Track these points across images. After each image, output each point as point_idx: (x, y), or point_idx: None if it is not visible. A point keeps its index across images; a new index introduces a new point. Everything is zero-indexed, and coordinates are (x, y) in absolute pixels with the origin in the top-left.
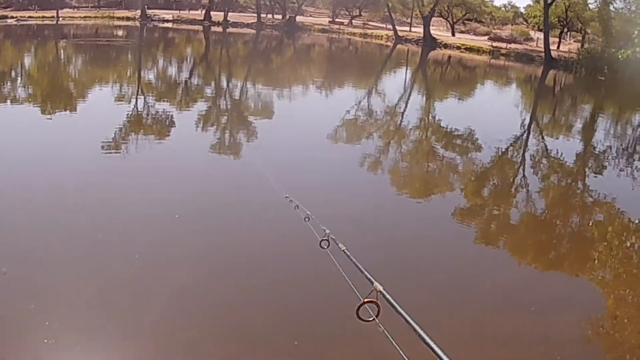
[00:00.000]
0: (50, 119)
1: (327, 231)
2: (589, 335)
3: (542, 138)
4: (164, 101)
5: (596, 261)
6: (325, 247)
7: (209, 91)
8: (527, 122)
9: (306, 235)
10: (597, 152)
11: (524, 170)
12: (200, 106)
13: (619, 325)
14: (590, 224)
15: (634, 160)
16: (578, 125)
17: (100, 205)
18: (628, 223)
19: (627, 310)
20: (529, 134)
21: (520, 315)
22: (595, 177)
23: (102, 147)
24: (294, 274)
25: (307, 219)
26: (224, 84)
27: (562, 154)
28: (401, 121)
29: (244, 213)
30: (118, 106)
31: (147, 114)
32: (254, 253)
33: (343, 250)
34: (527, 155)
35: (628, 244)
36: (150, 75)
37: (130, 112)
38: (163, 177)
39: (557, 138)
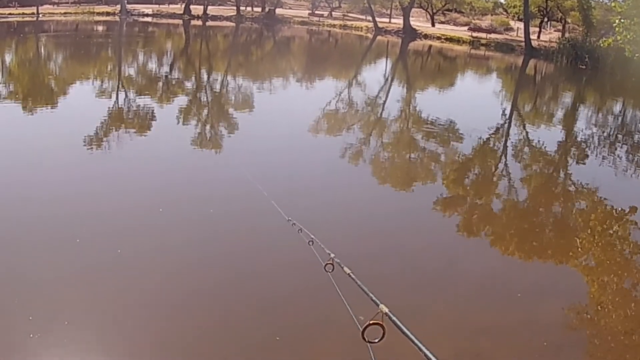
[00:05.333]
0: (31, 114)
1: (332, 255)
2: (574, 321)
3: (524, 127)
4: (145, 95)
5: (580, 249)
6: (330, 270)
7: (189, 85)
8: (508, 111)
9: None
10: (579, 141)
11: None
12: (182, 101)
13: (604, 312)
14: (573, 212)
15: (615, 148)
16: (559, 114)
17: (83, 199)
18: (611, 211)
19: (611, 297)
20: (510, 123)
21: (505, 303)
22: (578, 165)
23: (84, 142)
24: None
25: (311, 243)
26: (205, 78)
27: (544, 142)
28: (381, 114)
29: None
30: (99, 101)
31: (128, 109)
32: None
33: (348, 274)
34: (509, 144)
35: (611, 232)
36: (130, 70)
37: (111, 107)
38: (143, 182)
39: (539, 127)
